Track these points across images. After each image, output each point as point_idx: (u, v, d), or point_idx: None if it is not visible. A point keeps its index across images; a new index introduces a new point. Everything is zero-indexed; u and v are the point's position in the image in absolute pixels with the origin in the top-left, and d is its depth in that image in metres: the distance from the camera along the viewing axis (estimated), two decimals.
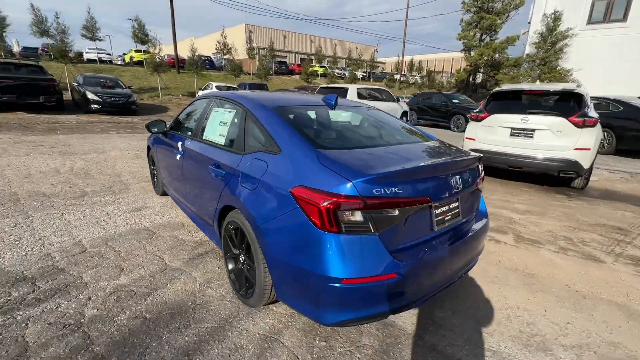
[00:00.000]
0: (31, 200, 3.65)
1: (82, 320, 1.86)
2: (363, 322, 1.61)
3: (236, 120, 2.32)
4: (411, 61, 34.45)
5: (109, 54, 23.50)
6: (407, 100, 14.81)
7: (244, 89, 17.87)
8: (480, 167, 2.18)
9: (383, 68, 47.53)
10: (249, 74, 27.19)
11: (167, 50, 25.00)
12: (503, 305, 2.20)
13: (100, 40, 20.35)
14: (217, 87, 15.62)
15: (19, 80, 10.22)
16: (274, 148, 1.89)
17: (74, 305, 1.98)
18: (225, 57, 23.36)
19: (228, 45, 23.41)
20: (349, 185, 1.47)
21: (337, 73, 31.69)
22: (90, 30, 19.50)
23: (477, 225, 2.07)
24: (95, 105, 11.50)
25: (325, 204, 1.46)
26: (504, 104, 5.21)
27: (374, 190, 1.48)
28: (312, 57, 35.20)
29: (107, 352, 1.65)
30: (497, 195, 4.72)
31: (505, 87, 5.46)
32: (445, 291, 2.04)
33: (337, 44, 48.72)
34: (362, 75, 35.46)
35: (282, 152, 1.82)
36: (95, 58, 22.29)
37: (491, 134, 5.16)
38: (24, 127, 8.53)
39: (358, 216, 1.47)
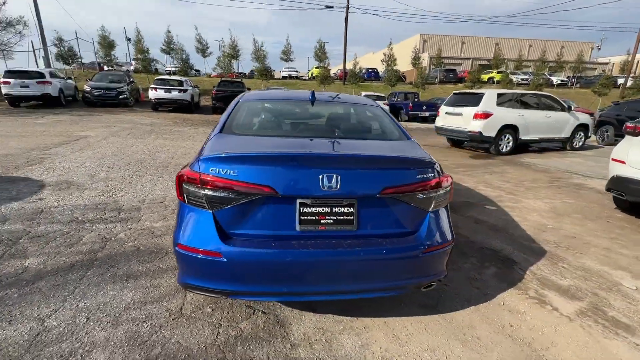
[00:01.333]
0: None
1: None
2: (205, 293, 1.69)
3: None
4: None
5: (297, 71, 29.55)
6: (599, 111, 10.72)
7: (395, 97, 18.04)
8: (437, 177, 1.72)
9: (604, 70, 35.59)
10: (410, 83, 27.03)
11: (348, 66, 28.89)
12: None
13: (291, 60, 25.81)
14: (365, 95, 16.60)
15: (229, 92, 14.58)
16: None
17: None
18: (390, 68, 24.37)
19: (393, 57, 24.33)
20: (196, 162, 1.63)
21: (522, 79, 26.58)
22: (286, 54, 25.04)
23: (394, 247, 1.64)
24: None
25: (179, 174, 1.68)
26: None
27: (210, 169, 1.57)
28: (492, 62, 30.96)
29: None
30: None
31: None
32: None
33: (533, 44, 40.40)
34: (561, 80, 28.12)
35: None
36: (287, 75, 28.46)
37: None
38: None
39: (196, 190, 1.60)
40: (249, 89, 15.31)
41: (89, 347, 1.65)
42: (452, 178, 1.90)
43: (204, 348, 1.69)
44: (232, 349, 1.70)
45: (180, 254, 1.62)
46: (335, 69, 23.96)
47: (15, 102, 13.28)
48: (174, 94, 13.96)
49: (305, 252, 1.55)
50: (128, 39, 28.82)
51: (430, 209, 1.75)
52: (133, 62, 24.57)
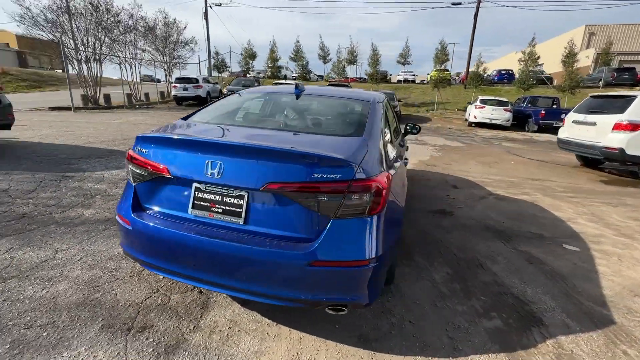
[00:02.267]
0: None
1: None
2: (130, 258, 1.88)
3: None
4: None
5: (414, 75, 28.11)
6: None
7: (523, 103, 15.11)
8: (348, 180, 1.44)
9: None
10: (557, 86, 21.84)
11: (494, 66, 25.64)
12: None
13: (408, 64, 24.85)
14: (481, 100, 14.44)
15: None
16: None
17: None
18: (526, 68, 20.42)
19: (534, 55, 20.32)
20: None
21: None
22: (403, 57, 24.27)
23: (276, 250, 1.46)
24: None
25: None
26: None
27: (135, 147, 1.76)
28: None
29: None
30: None
31: None
32: None
33: None
34: None
35: None
36: (403, 79, 27.47)
37: None
38: None
39: (128, 165, 1.82)
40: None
41: (62, 279, 2.11)
42: (382, 185, 1.53)
43: (127, 305, 1.91)
44: (146, 313, 1.86)
45: (117, 221, 1.87)
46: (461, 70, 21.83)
47: (180, 101, 17.59)
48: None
49: (192, 236, 1.55)
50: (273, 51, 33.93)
51: (335, 216, 1.46)
52: (267, 70, 28.49)
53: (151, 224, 1.64)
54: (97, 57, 14.66)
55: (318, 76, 31.33)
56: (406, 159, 3.42)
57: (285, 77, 28.06)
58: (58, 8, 13.06)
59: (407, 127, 4.00)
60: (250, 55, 26.95)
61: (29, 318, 1.75)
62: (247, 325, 1.84)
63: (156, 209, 1.72)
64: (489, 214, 3.92)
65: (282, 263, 1.45)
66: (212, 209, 1.58)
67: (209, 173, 1.53)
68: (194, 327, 1.79)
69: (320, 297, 1.50)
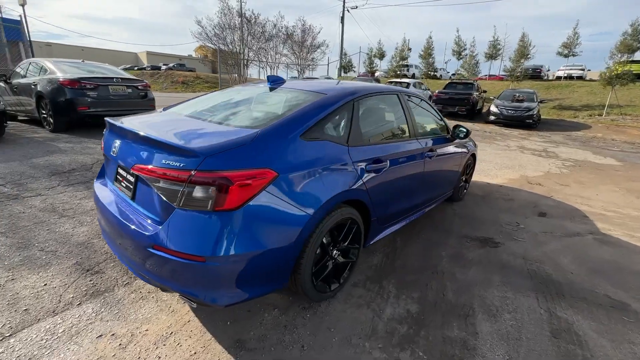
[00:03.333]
0: None
1: None
2: None
3: None
4: None
5: (582, 70, 21.27)
6: None
7: None
8: (192, 170, 1.41)
9: None
10: None
11: None
12: None
13: (574, 55, 19.40)
14: None
15: (452, 94, 13.70)
16: None
17: None
18: None
19: None
20: None
21: None
22: (567, 47, 19.12)
23: (137, 228, 1.55)
24: (493, 117, 12.52)
25: None
26: None
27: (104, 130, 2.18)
28: None
29: None
30: None
31: None
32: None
33: None
34: None
35: None
36: (565, 74, 21.45)
37: None
38: None
39: None
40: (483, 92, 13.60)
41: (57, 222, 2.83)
42: (232, 180, 1.39)
43: (103, 253, 2.41)
44: (109, 263, 2.30)
45: None
46: None
47: None
48: None
49: (104, 204, 1.84)
50: (409, 49, 32.93)
51: (179, 205, 1.43)
52: (392, 68, 27.56)
53: (95, 190, 2.03)
54: (245, 62, 17.92)
55: (452, 74, 28.40)
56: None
57: (413, 76, 26.77)
58: (223, 25, 16.65)
59: (455, 131, 3.30)
60: (379, 54, 26.94)
61: (44, 240, 2.46)
62: (164, 296, 2.02)
63: (101, 180, 2.11)
64: (559, 258, 2.79)
65: (136, 241, 1.55)
66: (122, 182, 1.82)
67: (113, 152, 1.77)
68: (126, 283, 2.10)
69: (168, 283, 1.52)
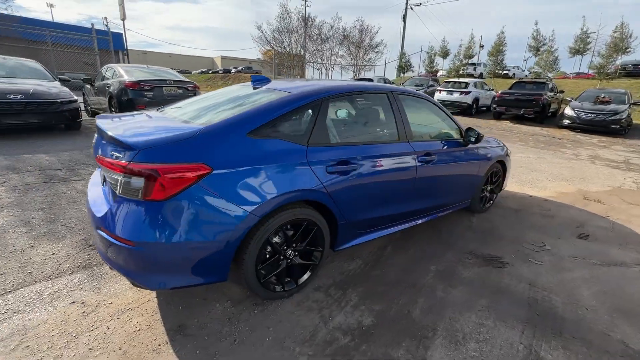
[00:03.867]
0: None
1: None
2: None
3: None
4: None
5: None
6: None
7: None
8: (127, 162, 1.54)
9: None
10: None
11: None
12: None
13: None
14: None
15: (518, 95, 12.28)
16: None
17: None
18: None
19: None
20: None
21: None
22: None
23: (95, 213, 1.74)
24: (567, 121, 10.87)
25: None
26: None
27: None
28: None
29: None
30: None
31: None
32: None
33: None
34: None
35: None
36: None
37: None
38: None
39: None
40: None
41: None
42: (160, 172, 1.48)
43: None
44: None
45: None
46: None
47: None
48: (455, 96, 13.99)
49: (88, 188, 2.11)
50: (482, 46, 30.47)
51: (120, 193, 1.57)
52: (453, 67, 25.54)
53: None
54: (301, 64, 18.50)
55: (527, 73, 25.34)
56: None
57: (481, 75, 24.60)
58: (281, 29, 17.43)
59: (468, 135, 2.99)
60: (442, 53, 25.29)
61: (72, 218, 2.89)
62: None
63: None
64: (579, 289, 2.33)
65: (93, 222, 1.75)
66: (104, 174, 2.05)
67: (94, 145, 2.01)
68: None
69: (110, 262, 1.68)
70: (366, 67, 22.52)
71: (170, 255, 1.59)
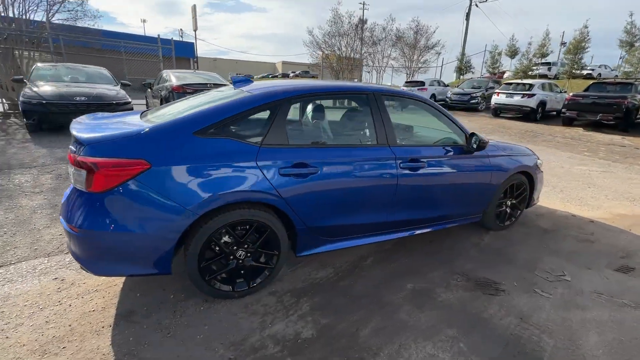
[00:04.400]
0: None
1: None
2: None
3: None
4: None
5: None
6: None
7: None
8: (77, 155, 1.68)
9: None
10: None
11: None
12: None
13: None
14: None
15: (594, 98, 10.57)
16: None
17: None
18: None
19: None
20: None
21: None
22: None
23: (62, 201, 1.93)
24: None
25: None
26: None
27: None
28: None
29: None
30: None
31: None
32: None
33: None
34: None
35: None
36: None
37: None
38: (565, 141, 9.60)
39: None
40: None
41: None
42: (98, 166, 1.59)
43: None
44: None
45: None
46: None
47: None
48: (516, 99, 12.52)
49: None
50: (563, 44, 27.11)
51: (71, 183, 1.72)
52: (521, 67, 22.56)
53: None
54: (350, 67, 18.44)
55: (616, 74, 21.65)
56: None
57: (556, 76, 21.75)
58: (332, 33, 17.60)
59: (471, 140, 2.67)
60: (510, 52, 22.88)
61: None
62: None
63: None
64: (587, 332, 1.89)
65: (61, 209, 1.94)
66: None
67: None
68: None
69: (68, 248, 1.84)
70: (420, 69, 21.52)
71: (110, 244, 1.69)
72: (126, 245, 1.71)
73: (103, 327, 1.78)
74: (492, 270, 2.54)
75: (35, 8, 9.88)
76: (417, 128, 3.22)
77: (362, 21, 20.01)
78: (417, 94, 2.76)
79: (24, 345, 1.63)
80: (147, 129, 1.77)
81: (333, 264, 2.51)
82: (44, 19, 10.40)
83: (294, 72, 45.21)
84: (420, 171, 2.44)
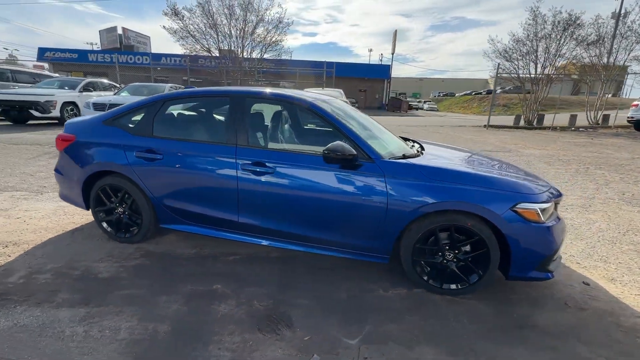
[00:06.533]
0: None
1: None
2: None
3: None
4: None
5: None
6: None
7: None
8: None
9: None
10: None
11: None
12: None
13: None
14: None
15: None
16: None
17: None
18: None
19: None
20: None
21: None
22: None
23: None
24: None
25: None
26: None
27: None
28: None
29: None
30: None
31: None
32: None
33: None
34: None
35: None
36: None
37: None
38: None
39: None
40: None
41: None
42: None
43: None
44: None
45: None
46: None
47: None
48: None
49: None
50: None
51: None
52: None
53: None
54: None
55: None
56: None
57: None
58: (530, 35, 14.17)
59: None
60: None
61: None
62: None
63: None
64: None
65: None
66: None
67: None
68: None
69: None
70: None
71: (64, 182, 2.78)
72: (69, 184, 2.74)
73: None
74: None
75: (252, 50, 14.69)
76: (308, 133, 2.86)
77: (619, 14, 14.28)
78: (294, 96, 2.49)
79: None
80: (87, 119, 2.79)
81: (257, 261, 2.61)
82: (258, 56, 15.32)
83: (502, 88, 39.04)
84: (267, 176, 2.18)
